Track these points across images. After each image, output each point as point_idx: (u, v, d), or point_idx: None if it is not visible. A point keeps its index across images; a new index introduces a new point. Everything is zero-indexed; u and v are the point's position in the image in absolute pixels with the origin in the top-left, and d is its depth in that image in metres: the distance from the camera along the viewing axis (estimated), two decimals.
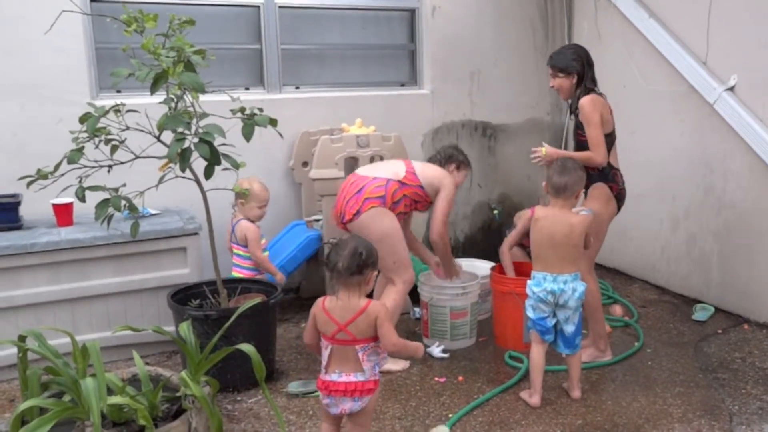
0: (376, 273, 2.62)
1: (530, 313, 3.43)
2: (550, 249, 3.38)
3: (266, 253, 4.28)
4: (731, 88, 4.40)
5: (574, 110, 3.84)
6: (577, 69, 3.80)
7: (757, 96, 4.26)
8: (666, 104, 4.90)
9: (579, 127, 3.81)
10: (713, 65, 4.54)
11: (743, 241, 4.43)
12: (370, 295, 4.01)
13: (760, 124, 4.23)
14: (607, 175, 3.80)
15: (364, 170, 3.93)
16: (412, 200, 3.85)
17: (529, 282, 3.46)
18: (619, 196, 3.84)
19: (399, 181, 3.80)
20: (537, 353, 3.44)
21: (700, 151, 4.68)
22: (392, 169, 3.87)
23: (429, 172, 3.90)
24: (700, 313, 4.53)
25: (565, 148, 5.91)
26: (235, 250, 4.25)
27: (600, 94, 3.78)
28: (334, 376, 2.63)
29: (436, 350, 4.03)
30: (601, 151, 3.68)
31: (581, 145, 3.80)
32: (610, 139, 3.78)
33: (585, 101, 3.71)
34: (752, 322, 4.43)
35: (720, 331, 4.33)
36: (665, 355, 3.99)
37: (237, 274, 4.20)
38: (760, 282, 4.38)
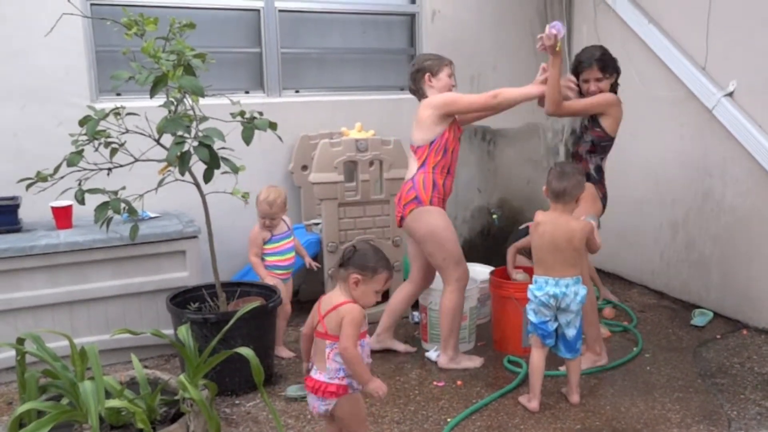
0: (360, 278, 2.62)
1: (532, 317, 3.41)
2: (551, 253, 3.37)
3: (273, 258, 4.08)
4: (730, 94, 4.41)
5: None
6: (619, 68, 3.80)
7: (756, 102, 4.27)
8: (665, 109, 4.91)
9: (595, 122, 3.83)
10: (712, 71, 4.55)
11: (742, 246, 4.44)
12: (386, 297, 4.08)
13: (759, 129, 4.24)
14: (596, 178, 3.87)
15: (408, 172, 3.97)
16: (449, 130, 3.83)
17: (530, 286, 3.44)
18: (604, 198, 3.90)
19: (417, 170, 3.81)
20: (537, 357, 3.43)
21: (700, 156, 4.69)
22: (410, 166, 3.92)
23: (417, 128, 3.86)
24: (699, 318, 4.53)
25: (564, 157, 5.93)
26: None
27: None
28: (312, 371, 2.69)
29: (434, 354, 4.03)
30: (570, 107, 3.79)
31: (594, 141, 3.84)
32: (611, 143, 3.80)
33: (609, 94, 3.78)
34: (751, 328, 4.43)
35: (719, 337, 4.33)
36: (664, 360, 3.99)
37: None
38: (758, 287, 4.38)
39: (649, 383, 3.72)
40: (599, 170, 3.91)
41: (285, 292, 4.06)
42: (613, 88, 3.85)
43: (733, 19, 4.37)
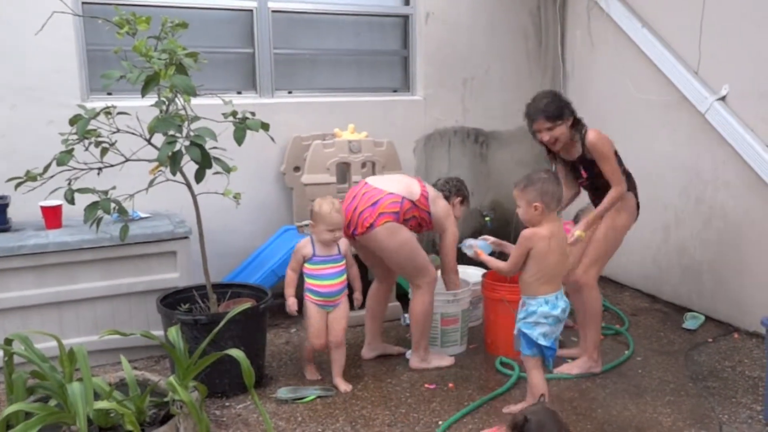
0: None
1: (543, 341, 3.16)
2: (559, 266, 3.22)
3: (320, 282, 3.64)
4: (723, 98, 4.42)
5: (581, 152, 3.68)
6: (571, 111, 3.63)
7: (749, 106, 4.27)
8: (658, 113, 4.91)
9: (586, 164, 3.71)
10: (705, 75, 4.55)
11: (734, 250, 4.44)
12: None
13: (751, 134, 4.24)
14: (629, 183, 3.78)
15: (376, 181, 3.84)
16: (418, 223, 3.84)
17: (539, 310, 3.16)
18: (638, 203, 3.84)
19: (413, 202, 3.77)
20: (542, 377, 3.28)
21: (692, 161, 4.69)
22: (407, 187, 3.81)
23: (439, 207, 3.88)
24: (691, 322, 4.53)
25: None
26: None
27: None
28: None
29: (409, 353, 4.05)
30: (623, 182, 3.64)
31: (595, 181, 3.74)
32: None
33: (594, 138, 3.60)
34: (742, 331, 4.43)
35: (710, 340, 4.34)
36: (655, 364, 3.99)
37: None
38: (750, 291, 4.38)
39: (640, 386, 3.72)
40: (627, 175, 3.78)
41: (320, 321, 3.67)
42: (577, 126, 3.65)
43: (726, 24, 4.38)
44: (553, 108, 3.58)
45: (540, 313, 3.15)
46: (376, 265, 4.04)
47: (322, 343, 3.70)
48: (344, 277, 3.69)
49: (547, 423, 2.46)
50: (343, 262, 3.67)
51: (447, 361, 4.00)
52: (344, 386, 3.67)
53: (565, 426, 2.51)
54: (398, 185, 3.81)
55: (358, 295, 3.79)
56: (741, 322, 4.47)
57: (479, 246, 3.43)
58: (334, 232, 3.54)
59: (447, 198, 3.99)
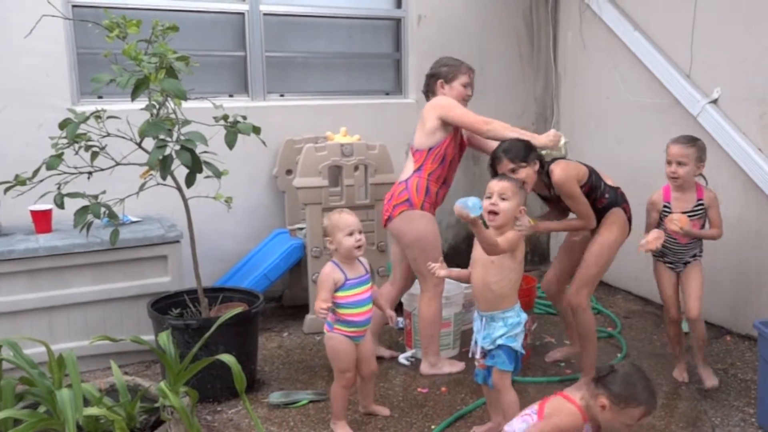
0: (608, 404, 2.39)
1: (522, 351, 3.07)
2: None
3: (361, 309, 3.19)
4: (714, 101, 4.42)
5: (548, 189, 3.56)
6: (537, 154, 3.45)
7: (740, 109, 4.28)
8: (650, 116, 4.92)
9: (553, 198, 3.62)
10: (697, 78, 4.56)
11: (726, 253, 4.44)
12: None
13: (743, 137, 4.25)
14: (616, 198, 3.61)
15: (401, 174, 3.94)
16: (439, 163, 3.81)
17: (521, 319, 3.05)
18: (630, 217, 3.67)
19: (413, 173, 3.79)
20: (515, 395, 3.10)
21: None
22: (406, 167, 3.90)
23: (419, 130, 3.84)
24: (684, 325, 4.52)
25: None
26: None
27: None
28: None
29: (402, 357, 4.04)
30: (592, 219, 3.51)
31: (566, 211, 3.70)
32: (594, 187, 3.56)
33: (558, 178, 3.41)
34: (734, 334, 4.44)
35: None
36: (648, 367, 3.99)
37: (324, 330, 3.29)
38: (742, 294, 4.39)
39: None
40: (612, 188, 3.63)
41: (353, 355, 3.22)
42: (542, 170, 3.47)
43: (718, 27, 4.39)
44: (515, 150, 3.38)
45: (522, 321, 3.05)
46: (398, 264, 4.03)
47: (354, 379, 3.30)
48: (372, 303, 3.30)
49: (633, 375, 2.42)
50: (371, 284, 3.28)
51: (458, 367, 3.93)
52: (385, 410, 3.47)
53: (651, 384, 2.44)
54: (404, 171, 3.90)
55: (392, 312, 3.43)
56: (734, 325, 4.47)
57: (469, 205, 2.77)
58: (353, 234, 3.13)
59: (437, 81, 3.96)
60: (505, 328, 3.01)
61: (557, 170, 3.43)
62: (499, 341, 3.00)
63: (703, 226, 3.64)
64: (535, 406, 2.58)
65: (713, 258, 4.49)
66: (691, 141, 3.58)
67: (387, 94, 5.52)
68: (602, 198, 3.56)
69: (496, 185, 2.98)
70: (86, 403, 2.62)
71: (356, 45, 5.43)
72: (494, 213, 2.95)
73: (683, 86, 4.60)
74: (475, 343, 3.11)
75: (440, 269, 3.14)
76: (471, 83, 3.97)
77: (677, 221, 3.53)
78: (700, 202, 3.61)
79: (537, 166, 3.42)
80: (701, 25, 4.48)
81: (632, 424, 2.40)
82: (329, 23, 5.30)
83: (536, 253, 6.11)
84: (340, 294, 3.15)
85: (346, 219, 3.17)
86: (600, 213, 3.56)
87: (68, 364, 2.63)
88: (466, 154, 5.65)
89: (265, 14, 4.97)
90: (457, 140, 3.88)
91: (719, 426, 3.33)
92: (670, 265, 3.75)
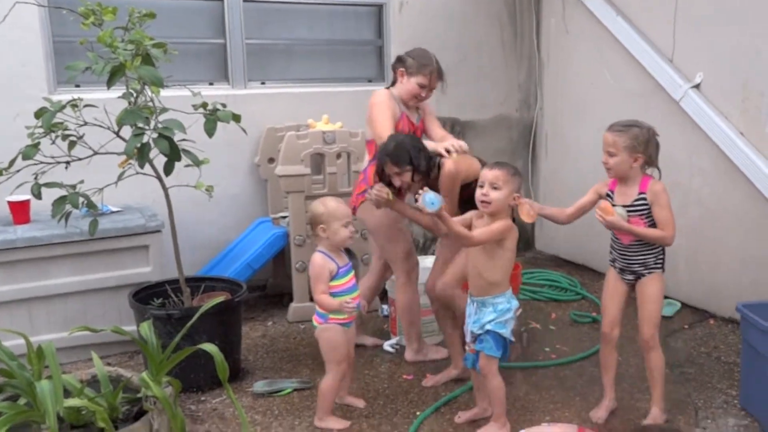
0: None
1: (511, 338, 3.06)
2: None
3: (351, 296, 3.13)
4: (697, 86, 4.43)
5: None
6: (420, 161, 3.33)
7: (722, 93, 4.29)
8: (633, 101, 4.92)
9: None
10: (679, 63, 4.57)
11: (709, 237, 4.47)
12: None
13: (725, 121, 4.26)
14: None
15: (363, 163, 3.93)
16: None
17: (512, 305, 3.05)
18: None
19: (369, 162, 3.76)
20: (502, 380, 3.10)
21: (667, 148, 4.63)
22: (365, 157, 3.88)
23: (367, 122, 3.77)
24: (667, 309, 4.55)
25: (533, 147, 5.94)
26: None
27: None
28: None
29: (387, 345, 4.05)
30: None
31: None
32: None
33: (449, 167, 3.34)
34: (718, 318, 4.47)
35: (686, 327, 4.36)
36: (633, 351, 3.99)
37: (313, 320, 3.22)
38: (725, 278, 4.41)
39: (618, 374, 3.69)
40: None
41: (346, 343, 3.21)
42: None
43: (700, 12, 4.39)
44: (401, 152, 3.30)
45: (512, 308, 3.04)
46: (374, 251, 4.08)
47: (347, 370, 3.29)
48: None
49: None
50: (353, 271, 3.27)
51: (442, 353, 3.91)
52: (360, 402, 3.43)
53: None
54: (365, 160, 3.89)
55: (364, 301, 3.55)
56: (717, 309, 4.50)
57: (426, 201, 2.80)
58: (348, 226, 3.12)
59: (400, 67, 3.80)
60: (494, 313, 3.01)
61: (448, 164, 3.35)
62: (488, 326, 3.00)
63: (652, 226, 3.04)
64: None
65: (695, 241, 4.53)
66: (624, 128, 3.05)
67: (369, 81, 5.48)
68: None
69: (488, 174, 2.94)
70: (67, 394, 2.59)
71: (338, 32, 5.38)
72: (486, 203, 2.93)
73: (666, 71, 4.60)
74: (467, 328, 3.12)
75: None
76: (429, 86, 3.77)
77: (600, 209, 3.03)
78: (641, 195, 3.03)
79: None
80: (683, 10, 4.48)
81: None
82: (310, 10, 5.25)
83: (521, 239, 6.09)
84: (334, 283, 3.12)
85: (344, 209, 3.15)
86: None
87: (47, 356, 2.59)
88: (447, 129, 5.66)
89: (245, 0, 4.91)
90: (405, 128, 3.76)
91: (702, 408, 3.35)
92: (619, 272, 3.21)
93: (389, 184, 3.41)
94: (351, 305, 3.07)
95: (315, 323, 3.20)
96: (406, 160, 3.30)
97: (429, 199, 2.79)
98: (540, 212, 3.16)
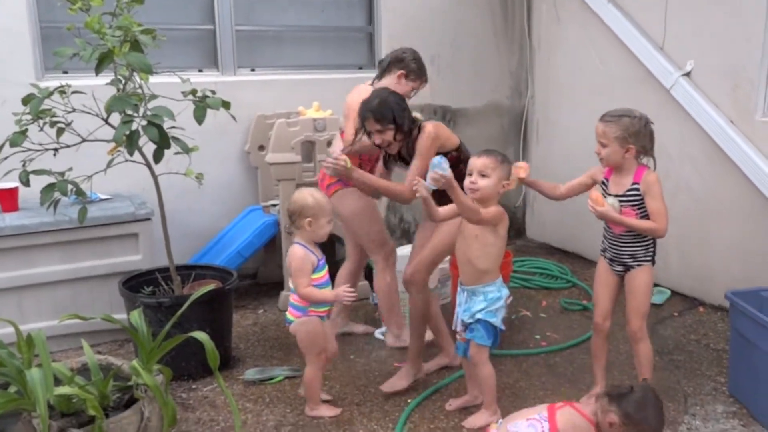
0: (618, 423, 2.38)
1: (502, 327, 3.06)
2: None
3: (326, 289, 3.10)
4: (687, 74, 4.43)
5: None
6: (411, 120, 3.30)
7: (713, 81, 4.29)
8: (623, 89, 4.91)
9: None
10: (670, 50, 4.56)
11: (699, 225, 4.49)
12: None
13: (716, 109, 4.27)
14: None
15: None
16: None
17: (502, 293, 3.05)
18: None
19: (340, 151, 3.70)
20: (492, 369, 3.12)
21: (657, 136, 4.66)
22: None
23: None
24: (657, 296, 4.57)
25: (525, 134, 5.93)
26: (290, 283, 3.14)
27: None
28: None
29: (378, 332, 4.07)
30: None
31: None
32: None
33: (429, 130, 3.28)
34: (707, 305, 4.49)
35: (676, 314, 4.38)
36: (623, 338, 4.00)
37: (287, 314, 3.17)
38: (714, 265, 4.44)
39: (608, 361, 3.73)
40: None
41: (325, 334, 3.19)
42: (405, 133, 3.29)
43: (690, 0, 4.38)
44: (385, 109, 3.22)
45: (503, 296, 3.05)
46: (349, 240, 4.06)
47: (334, 350, 3.31)
48: None
49: (648, 398, 2.39)
50: None
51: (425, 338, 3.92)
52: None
53: (662, 411, 2.40)
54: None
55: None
56: (706, 296, 4.52)
57: (435, 162, 2.82)
58: (331, 222, 3.10)
59: (400, 69, 3.71)
60: (485, 302, 3.01)
61: (429, 126, 3.31)
62: (479, 315, 3.00)
63: (645, 217, 3.03)
64: (544, 412, 2.54)
65: (685, 229, 4.54)
66: (615, 118, 3.00)
67: (360, 68, 5.45)
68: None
69: (476, 162, 2.93)
70: (57, 382, 2.58)
71: (329, 18, 5.34)
72: (475, 190, 2.92)
73: (656, 59, 4.60)
74: (457, 316, 3.11)
75: (421, 187, 2.90)
76: (416, 92, 3.81)
77: (592, 199, 3.01)
78: (635, 186, 3.00)
79: (405, 129, 3.26)
80: None
81: None
82: None
83: (512, 227, 6.10)
84: (315, 276, 3.07)
85: (330, 205, 3.13)
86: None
87: (37, 344, 2.58)
88: (438, 116, 5.66)
89: None
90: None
91: (691, 395, 3.37)
92: (609, 263, 3.20)
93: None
94: (350, 291, 3.03)
95: (291, 317, 3.12)
96: (389, 117, 3.21)
97: (437, 161, 2.79)
98: (533, 183, 3.22)
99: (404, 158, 3.42)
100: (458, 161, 3.28)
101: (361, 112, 3.29)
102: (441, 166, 2.78)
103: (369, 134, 3.32)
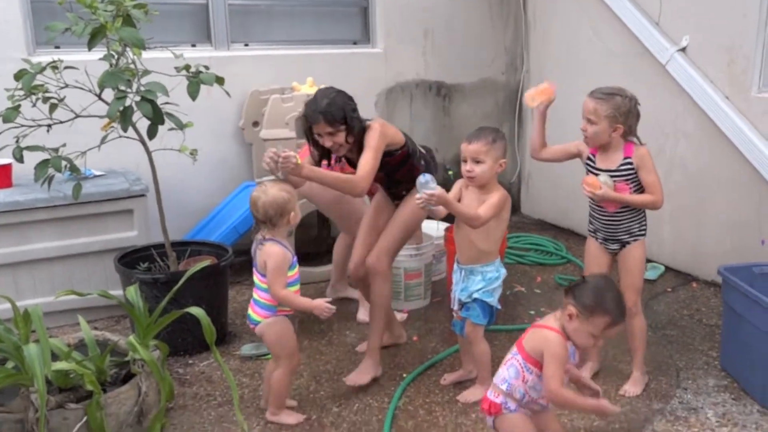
0: (576, 313, 2.32)
1: (498, 306, 3.08)
2: None
3: (294, 289, 2.89)
4: (683, 49, 4.42)
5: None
6: (360, 120, 3.13)
7: (709, 57, 4.28)
8: (619, 64, 4.90)
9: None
10: (666, 26, 4.54)
11: (693, 201, 4.50)
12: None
13: (711, 85, 4.26)
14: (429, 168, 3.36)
15: None
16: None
17: (500, 273, 3.05)
18: None
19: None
20: (488, 345, 3.15)
21: (652, 112, 4.65)
22: None
23: None
24: (651, 272, 4.60)
25: (519, 110, 5.92)
26: (257, 281, 2.91)
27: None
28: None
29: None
30: (368, 178, 3.04)
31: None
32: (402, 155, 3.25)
33: (374, 127, 3.08)
34: (700, 281, 4.52)
35: (669, 290, 4.41)
36: None
37: (252, 313, 2.93)
38: (708, 241, 4.46)
39: None
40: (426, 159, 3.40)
41: (294, 334, 3.00)
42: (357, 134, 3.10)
43: None
44: (335, 110, 3.01)
45: (500, 277, 3.04)
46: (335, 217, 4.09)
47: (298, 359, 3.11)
48: None
49: (603, 285, 2.38)
50: None
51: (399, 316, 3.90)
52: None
53: (620, 297, 2.39)
54: None
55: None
56: (699, 272, 4.55)
57: (422, 182, 2.79)
58: (299, 212, 2.93)
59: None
60: (483, 282, 3.02)
61: (377, 123, 3.12)
62: (476, 295, 3.02)
63: (638, 192, 3.03)
64: (513, 348, 2.55)
65: (679, 206, 4.56)
66: (607, 96, 2.97)
67: (354, 43, 5.42)
68: (419, 166, 3.29)
69: (468, 148, 2.91)
70: (55, 358, 2.61)
71: None
72: (471, 178, 2.93)
73: (652, 34, 4.58)
74: (454, 294, 3.12)
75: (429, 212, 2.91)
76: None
77: (588, 185, 3.00)
78: (627, 160, 3.00)
79: (356, 129, 3.07)
80: None
81: (598, 335, 2.35)
82: None
83: None
84: (290, 273, 2.86)
85: (295, 195, 2.93)
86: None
87: (34, 320, 2.60)
88: (435, 102, 5.64)
89: None
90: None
91: (684, 369, 3.41)
92: (602, 242, 3.18)
93: (316, 144, 3.12)
94: (331, 309, 2.81)
95: (257, 318, 2.90)
96: (340, 118, 3.01)
97: (423, 181, 2.76)
98: (540, 123, 3.28)
99: (350, 159, 3.26)
100: (407, 156, 3.25)
101: (309, 114, 3.05)
102: (428, 186, 2.75)
103: (311, 139, 3.14)
